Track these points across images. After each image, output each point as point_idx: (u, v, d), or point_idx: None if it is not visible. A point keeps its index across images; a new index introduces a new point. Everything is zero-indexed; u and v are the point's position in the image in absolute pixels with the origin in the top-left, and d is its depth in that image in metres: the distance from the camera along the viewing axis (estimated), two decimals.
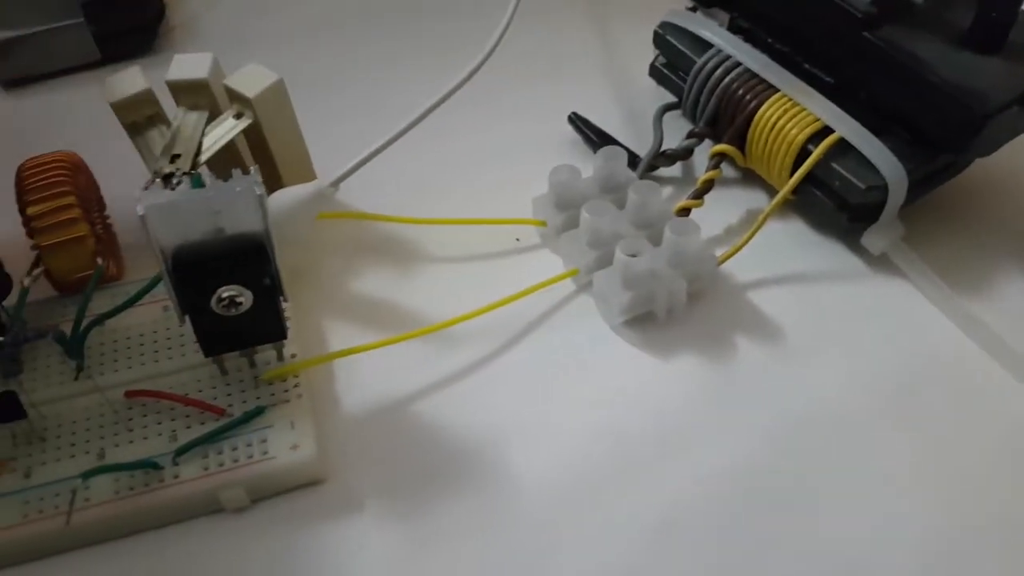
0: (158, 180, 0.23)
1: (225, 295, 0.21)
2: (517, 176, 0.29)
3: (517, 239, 0.28)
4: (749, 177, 0.29)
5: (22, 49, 0.32)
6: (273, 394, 0.23)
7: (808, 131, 0.26)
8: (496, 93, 0.30)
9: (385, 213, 0.27)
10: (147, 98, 0.24)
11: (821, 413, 0.24)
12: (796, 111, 0.27)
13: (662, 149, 0.29)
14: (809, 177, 0.26)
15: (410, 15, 0.36)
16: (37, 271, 0.24)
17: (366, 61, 0.34)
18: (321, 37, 0.35)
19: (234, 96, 0.24)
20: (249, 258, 0.21)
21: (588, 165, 0.28)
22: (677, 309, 0.25)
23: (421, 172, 0.29)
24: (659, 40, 0.30)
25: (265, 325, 0.22)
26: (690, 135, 0.29)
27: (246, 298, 0.21)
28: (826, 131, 0.26)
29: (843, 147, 0.26)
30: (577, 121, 0.31)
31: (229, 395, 0.23)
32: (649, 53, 0.32)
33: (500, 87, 0.29)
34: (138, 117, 0.24)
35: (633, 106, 0.32)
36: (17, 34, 0.31)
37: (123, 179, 0.26)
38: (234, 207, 0.20)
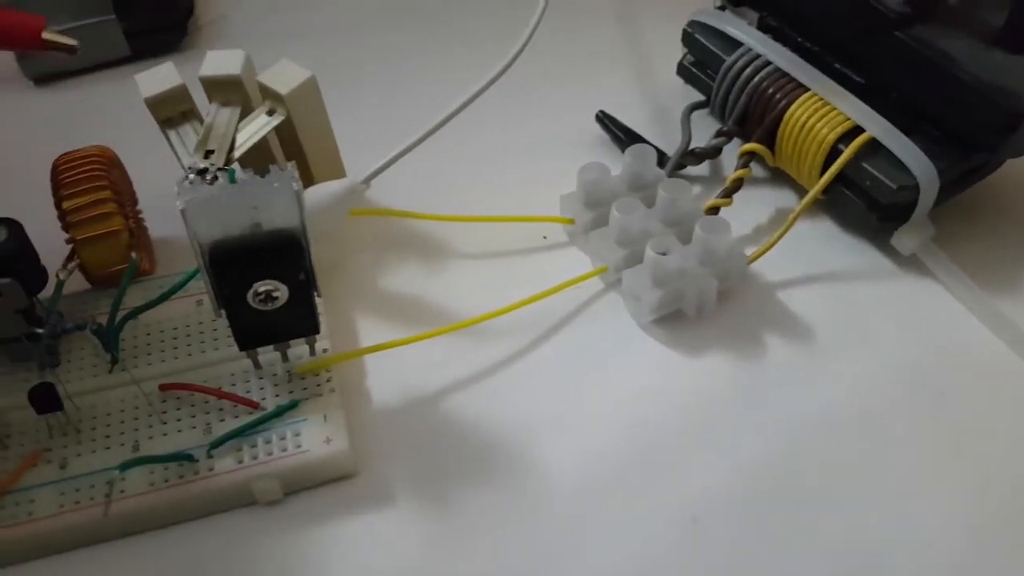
0: (193, 175, 0.23)
1: (262, 289, 0.21)
2: (544, 174, 0.29)
3: (544, 237, 0.28)
4: (778, 176, 0.29)
5: None
6: (306, 388, 0.23)
7: (839, 130, 0.26)
8: (523, 91, 0.30)
9: (413, 210, 0.28)
10: (181, 94, 0.24)
11: (849, 411, 0.24)
12: (827, 110, 0.27)
13: (690, 147, 0.29)
14: (839, 177, 0.26)
15: (438, 12, 0.36)
16: (72, 264, 0.24)
17: (394, 58, 0.35)
18: (348, 34, 0.36)
19: (267, 92, 0.25)
20: (285, 253, 0.21)
21: (616, 163, 0.28)
22: (707, 307, 0.25)
23: (448, 169, 0.30)
24: (688, 39, 0.30)
25: (299, 320, 0.22)
26: (719, 134, 0.29)
27: (282, 293, 0.21)
28: (857, 131, 0.26)
29: (874, 147, 0.26)
30: (605, 119, 0.31)
31: (262, 388, 0.23)
32: (676, 51, 0.32)
33: (527, 85, 0.29)
34: (172, 113, 0.24)
35: (660, 104, 0.32)
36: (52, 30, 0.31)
37: (154, 174, 0.27)
38: (272, 202, 0.20)
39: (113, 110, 0.29)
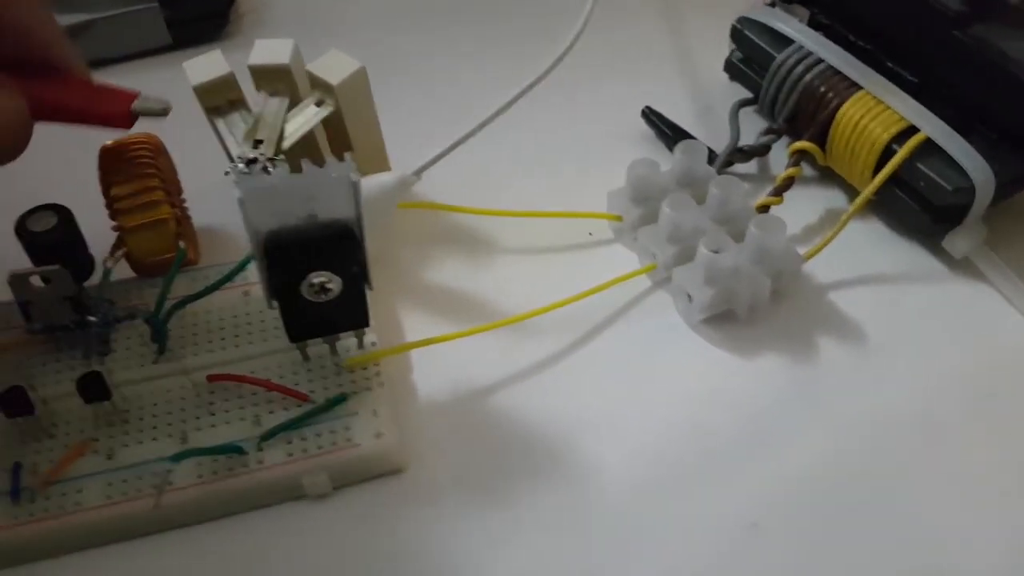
0: (242, 165, 0.23)
1: (316, 281, 0.21)
2: (589, 169, 0.29)
3: (590, 233, 0.28)
4: (827, 175, 0.29)
5: (95, 32, 0.32)
6: (354, 381, 0.23)
7: (893, 130, 0.26)
8: (569, 86, 0.30)
9: (458, 203, 0.27)
10: (229, 82, 0.24)
11: (903, 414, 0.23)
12: (880, 110, 0.26)
13: (739, 144, 0.29)
14: (892, 177, 0.26)
15: (482, 6, 0.36)
16: (119, 253, 0.23)
17: (438, 49, 0.34)
18: (389, 24, 0.35)
19: (316, 82, 0.24)
20: (341, 245, 0.21)
21: (661, 159, 0.28)
22: (759, 307, 0.25)
23: (493, 163, 0.29)
24: (737, 35, 0.30)
25: (350, 312, 0.22)
26: (768, 131, 0.29)
27: (335, 285, 0.21)
28: (911, 131, 0.26)
29: (929, 147, 0.25)
30: (651, 115, 0.30)
31: (311, 381, 0.23)
32: (721, 48, 0.31)
33: (572, 80, 0.29)
34: (219, 101, 0.24)
35: (705, 101, 0.32)
36: (92, 17, 0.31)
37: (196, 163, 0.26)
38: (329, 193, 0.20)
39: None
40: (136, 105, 0.21)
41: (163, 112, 0.22)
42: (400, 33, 0.35)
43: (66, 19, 0.31)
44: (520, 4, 0.36)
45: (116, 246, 0.24)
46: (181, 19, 0.32)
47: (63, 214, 0.22)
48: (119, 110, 0.21)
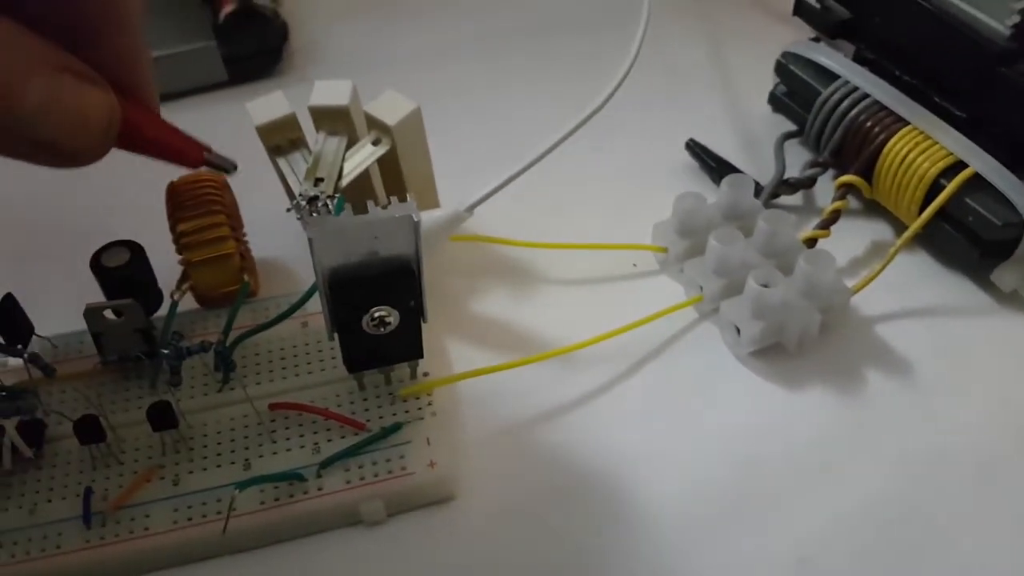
0: (304, 203, 0.24)
1: (376, 315, 0.22)
2: (632, 201, 0.30)
3: (634, 264, 0.28)
4: (873, 208, 0.29)
5: (156, 68, 0.32)
6: (408, 411, 0.23)
7: (940, 165, 0.26)
8: (614, 119, 0.30)
9: (505, 236, 0.28)
10: (290, 122, 0.25)
11: (954, 450, 0.23)
12: (927, 144, 0.27)
13: (784, 177, 0.29)
14: (939, 211, 0.26)
15: (529, 43, 0.37)
16: (185, 286, 0.24)
17: (486, 85, 0.35)
18: (438, 60, 0.36)
19: (373, 123, 0.25)
20: (400, 281, 0.21)
21: (705, 191, 0.28)
22: (808, 341, 0.25)
23: (540, 195, 0.30)
24: (781, 69, 0.30)
25: (406, 344, 0.23)
26: (813, 164, 0.29)
27: (393, 318, 0.22)
28: (959, 166, 0.26)
29: (977, 182, 0.26)
30: (695, 147, 0.31)
31: (367, 410, 0.24)
32: (765, 80, 0.32)
33: (618, 113, 0.29)
34: (281, 140, 0.25)
35: (749, 133, 0.32)
36: (155, 55, 0.32)
37: (256, 198, 0.27)
38: (391, 232, 0.21)
39: (211, 133, 0.30)
40: (208, 156, 0.22)
41: (230, 170, 0.23)
42: (449, 68, 0.36)
43: None
44: (565, 37, 0.37)
45: (182, 279, 0.25)
46: (237, 56, 0.33)
47: (135, 250, 0.23)
48: (194, 154, 0.22)
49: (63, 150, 0.20)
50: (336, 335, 0.22)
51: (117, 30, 0.21)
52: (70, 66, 0.20)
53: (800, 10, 0.31)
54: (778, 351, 0.25)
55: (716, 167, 0.30)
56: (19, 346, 0.22)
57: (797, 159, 0.30)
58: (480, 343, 0.26)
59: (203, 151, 0.22)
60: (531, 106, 0.33)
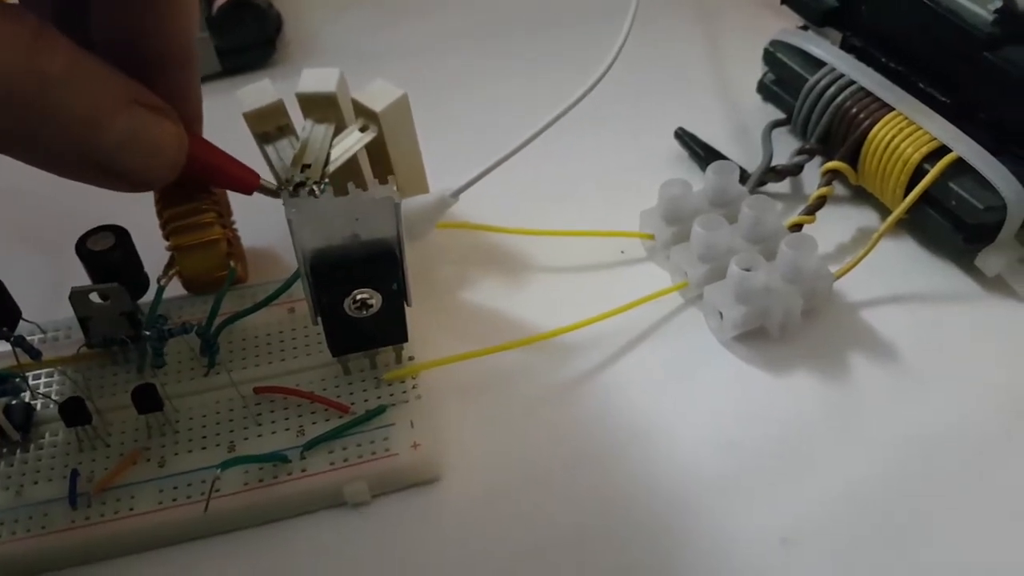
0: (289, 188, 0.24)
1: (359, 297, 0.22)
2: (620, 189, 0.30)
3: (622, 251, 0.28)
4: (859, 194, 0.29)
5: None
6: (392, 394, 0.24)
7: (924, 150, 0.26)
8: (603, 107, 0.30)
9: (493, 223, 0.28)
10: (278, 109, 0.25)
11: (938, 435, 0.23)
12: (912, 130, 0.27)
13: (772, 164, 0.29)
14: (923, 196, 0.26)
15: (517, 32, 0.37)
16: (172, 271, 0.25)
17: (475, 75, 0.35)
18: (429, 52, 0.36)
19: (360, 110, 0.25)
20: (382, 263, 0.22)
21: (694, 178, 0.28)
22: (791, 325, 0.25)
23: (529, 183, 0.30)
24: (769, 58, 0.31)
25: (390, 328, 0.23)
26: (800, 151, 0.29)
27: (376, 301, 0.22)
28: (942, 151, 0.26)
29: (960, 167, 0.26)
30: (684, 136, 0.31)
31: (352, 394, 0.24)
32: (754, 70, 0.32)
33: (607, 101, 0.30)
34: (268, 127, 0.25)
35: (738, 121, 0.32)
36: None
37: None
38: (372, 215, 0.21)
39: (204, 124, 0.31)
40: (263, 182, 0.24)
41: (276, 195, 0.24)
42: (440, 59, 0.36)
43: None
44: (556, 28, 0.37)
45: (169, 265, 0.25)
46: (230, 48, 0.33)
47: (121, 235, 0.23)
48: (250, 179, 0.24)
49: (136, 179, 0.22)
50: (319, 319, 0.23)
51: (179, 65, 0.23)
52: (147, 100, 0.21)
53: None
54: (761, 335, 0.25)
55: (704, 155, 0.30)
56: (5, 329, 0.23)
57: (785, 147, 0.30)
58: (467, 329, 0.27)
59: (258, 177, 0.24)
60: (521, 96, 0.33)
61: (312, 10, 0.36)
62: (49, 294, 0.24)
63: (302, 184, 0.24)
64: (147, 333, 0.22)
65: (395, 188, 0.21)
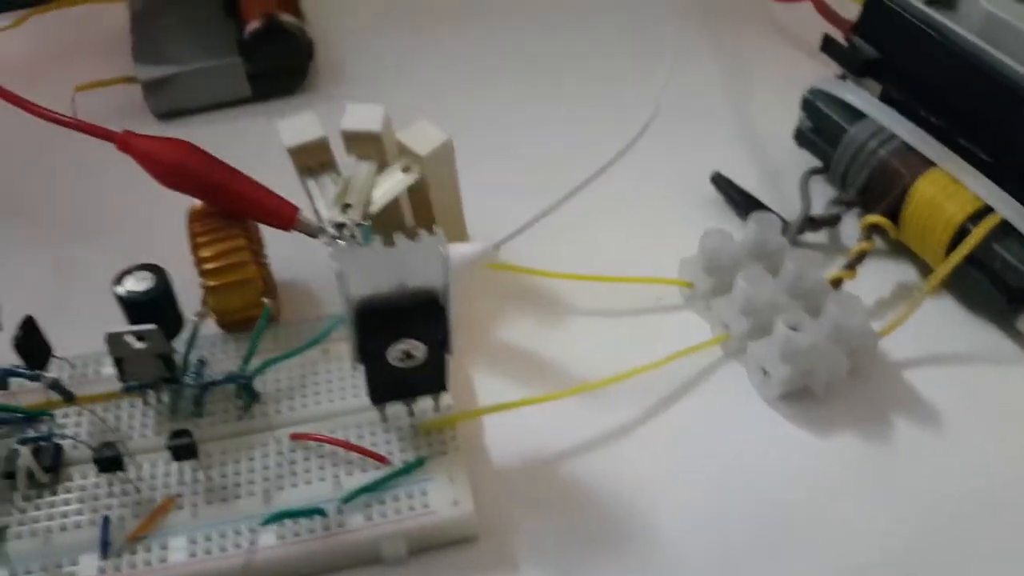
0: (332, 228, 0.24)
1: (403, 348, 0.21)
2: (657, 234, 0.30)
3: (659, 298, 0.28)
4: (898, 248, 0.29)
5: (181, 83, 0.33)
6: (430, 444, 0.23)
7: (968, 210, 0.26)
8: (640, 150, 0.30)
9: (530, 265, 0.28)
10: (322, 145, 0.25)
11: (979, 499, 0.23)
12: (955, 188, 0.27)
13: (810, 215, 0.29)
14: (966, 256, 0.26)
15: (557, 73, 0.36)
16: (206, 310, 0.24)
17: (514, 114, 0.34)
18: (462, 80, 0.36)
19: (405, 151, 0.25)
20: (428, 313, 0.21)
21: (730, 223, 0.28)
22: (835, 384, 0.25)
23: (562, 225, 0.29)
24: (808, 106, 0.30)
25: (430, 377, 0.23)
26: (838, 202, 0.29)
27: (420, 352, 0.22)
28: (986, 211, 0.26)
29: (1004, 228, 0.26)
30: (720, 181, 0.31)
31: (388, 443, 0.23)
32: (790, 115, 0.32)
33: (644, 144, 0.29)
34: (311, 162, 0.25)
35: (772, 166, 0.32)
36: (180, 70, 0.32)
37: None
38: (420, 265, 0.20)
39: (231, 149, 0.30)
40: (301, 218, 0.24)
41: (317, 235, 0.24)
42: (473, 88, 0.35)
43: (155, 71, 0.33)
44: (593, 64, 0.36)
45: (203, 302, 0.24)
46: (262, 73, 0.33)
47: (159, 275, 0.23)
48: (287, 215, 0.24)
49: None
50: (361, 365, 0.22)
51: None
52: None
53: (828, 48, 0.31)
54: (805, 394, 0.25)
55: (741, 201, 0.30)
56: (38, 370, 0.22)
57: (819, 192, 0.30)
58: (504, 374, 0.26)
59: (296, 212, 0.24)
60: (559, 140, 0.33)
61: (343, 37, 0.36)
62: (80, 328, 0.23)
63: (343, 225, 0.24)
64: (189, 382, 0.22)
65: (444, 239, 0.21)
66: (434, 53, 0.37)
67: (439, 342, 0.22)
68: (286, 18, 0.32)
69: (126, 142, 0.24)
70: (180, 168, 0.24)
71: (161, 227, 0.26)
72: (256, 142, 0.28)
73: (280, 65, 0.33)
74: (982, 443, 0.24)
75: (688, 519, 0.23)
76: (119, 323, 0.23)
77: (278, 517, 0.21)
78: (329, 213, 0.24)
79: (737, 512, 0.23)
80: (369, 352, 0.22)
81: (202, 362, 0.23)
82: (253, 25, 0.32)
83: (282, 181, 0.25)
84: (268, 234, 0.27)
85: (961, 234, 0.26)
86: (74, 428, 0.23)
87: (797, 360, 0.24)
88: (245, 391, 0.23)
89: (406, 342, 0.21)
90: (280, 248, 0.27)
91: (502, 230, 0.26)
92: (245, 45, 0.32)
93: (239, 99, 0.33)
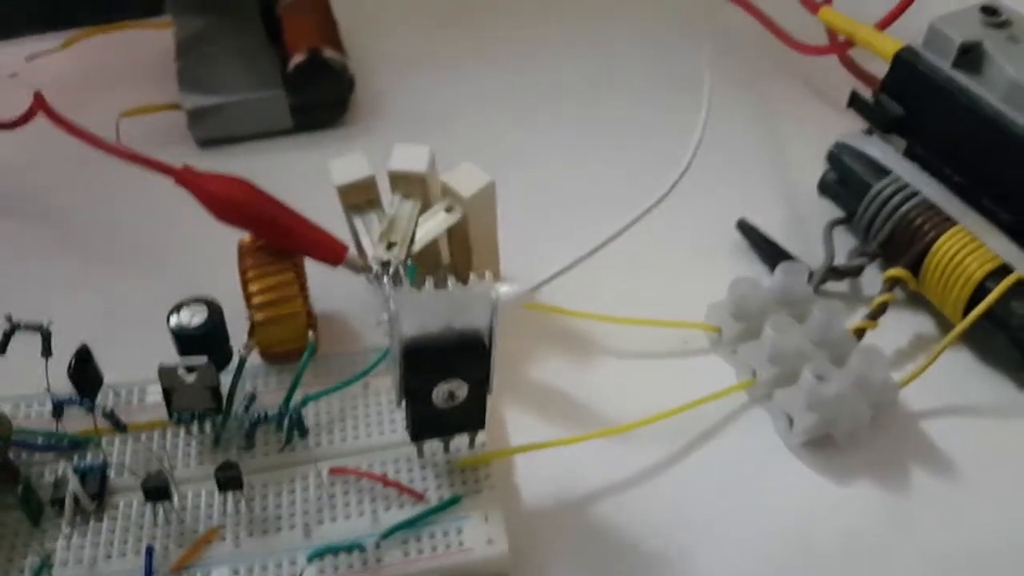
0: (377, 266, 0.24)
1: (448, 387, 0.22)
2: (683, 277, 0.31)
3: (685, 341, 0.29)
4: (916, 300, 0.30)
5: (224, 113, 0.33)
6: (465, 482, 0.24)
7: (987, 267, 0.27)
8: (670, 194, 0.31)
9: (559, 304, 0.28)
10: (370, 184, 0.26)
11: (996, 550, 0.24)
12: (975, 246, 0.27)
13: (833, 265, 0.30)
14: (985, 312, 0.27)
15: (588, 105, 0.37)
16: (252, 342, 0.25)
17: (552, 152, 0.35)
18: (499, 117, 0.36)
19: (448, 192, 0.26)
20: (473, 354, 0.22)
21: (753, 269, 0.29)
22: (857, 434, 0.26)
23: (595, 268, 0.29)
24: (834, 159, 0.31)
25: (469, 415, 0.23)
26: (860, 253, 0.30)
27: (462, 391, 0.22)
28: (1004, 269, 0.27)
29: (1022, 286, 0.26)
30: (746, 228, 0.31)
31: (424, 479, 0.24)
32: (814, 166, 0.33)
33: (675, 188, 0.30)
34: (358, 200, 0.26)
35: (795, 214, 0.33)
36: (224, 101, 0.33)
37: None
38: (469, 308, 0.21)
39: (271, 178, 0.30)
40: (349, 255, 0.25)
41: (365, 270, 0.25)
42: (511, 130, 0.36)
43: (200, 100, 0.33)
44: (626, 103, 0.37)
45: (250, 334, 0.25)
46: (304, 106, 0.34)
47: (213, 308, 0.23)
48: (337, 252, 0.25)
49: None
50: (404, 403, 0.23)
51: None
52: None
53: (854, 103, 0.31)
54: (827, 442, 0.26)
55: (765, 248, 0.31)
56: (89, 399, 0.23)
57: (840, 242, 0.31)
58: (535, 413, 0.27)
59: (346, 250, 0.25)
60: (594, 174, 0.34)
61: (382, 73, 0.36)
62: (120, 353, 0.24)
63: (387, 263, 0.25)
64: (240, 417, 0.22)
65: (494, 284, 0.21)
66: (470, 86, 0.37)
67: (481, 381, 0.23)
68: (329, 54, 0.33)
69: (186, 178, 0.25)
70: (239, 206, 0.25)
71: (209, 258, 0.27)
72: (296, 173, 0.29)
73: (322, 99, 0.34)
74: (998, 496, 0.25)
75: (713, 561, 0.23)
76: (160, 351, 0.23)
77: (321, 552, 0.22)
78: (375, 251, 0.25)
79: (763, 558, 0.24)
80: (413, 389, 0.22)
81: (253, 396, 0.24)
82: (297, 59, 0.32)
83: (318, 211, 0.26)
84: (308, 265, 0.28)
85: (981, 291, 0.27)
86: (120, 455, 0.24)
87: (822, 409, 0.25)
88: (297, 426, 0.23)
89: (451, 382, 0.22)
90: (319, 278, 0.28)
91: (534, 268, 0.27)
92: (289, 78, 0.33)
93: (280, 130, 0.34)
